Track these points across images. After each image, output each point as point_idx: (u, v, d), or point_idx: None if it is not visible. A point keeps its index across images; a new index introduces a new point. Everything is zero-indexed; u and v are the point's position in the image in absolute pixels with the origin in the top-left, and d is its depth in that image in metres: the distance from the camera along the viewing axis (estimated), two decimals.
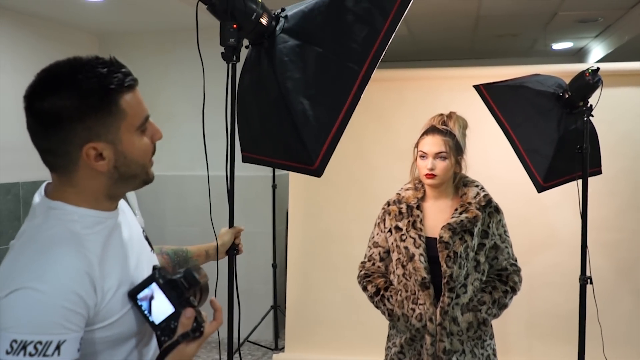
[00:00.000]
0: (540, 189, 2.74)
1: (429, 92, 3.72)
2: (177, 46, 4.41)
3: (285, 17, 1.64)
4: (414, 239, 1.97)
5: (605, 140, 3.46)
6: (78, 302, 0.97)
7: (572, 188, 2.79)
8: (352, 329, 3.77)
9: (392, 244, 2.04)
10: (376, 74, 4.26)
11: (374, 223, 2.13)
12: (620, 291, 3.49)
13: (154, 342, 1.18)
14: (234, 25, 1.56)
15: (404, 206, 2.03)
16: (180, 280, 1.07)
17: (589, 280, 2.70)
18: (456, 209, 1.99)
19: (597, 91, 2.60)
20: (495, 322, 3.68)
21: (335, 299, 3.77)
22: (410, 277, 1.97)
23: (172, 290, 1.06)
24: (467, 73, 3.70)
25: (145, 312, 1.05)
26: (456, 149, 2.03)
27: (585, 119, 2.60)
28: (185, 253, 1.65)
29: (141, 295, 1.05)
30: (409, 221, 2.00)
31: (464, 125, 2.09)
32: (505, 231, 2.07)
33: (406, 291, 1.99)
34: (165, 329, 1.05)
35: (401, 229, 2.00)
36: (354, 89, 1.60)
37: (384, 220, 2.08)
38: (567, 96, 2.64)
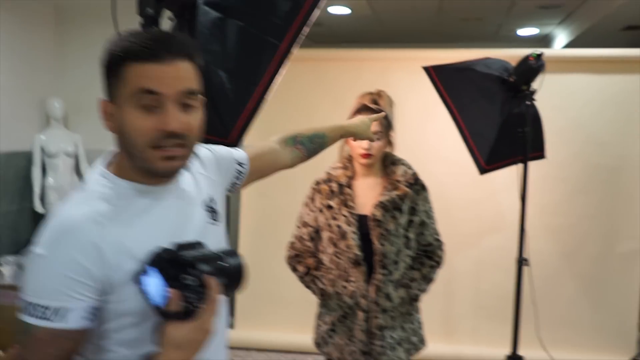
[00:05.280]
0: (483, 171, 2.76)
1: (385, 74, 3.71)
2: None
3: None
4: (346, 217, 1.97)
5: (555, 126, 3.51)
6: (81, 272, 0.96)
7: (521, 172, 2.82)
8: (303, 308, 3.76)
9: (323, 223, 2.04)
10: (331, 53, 4.30)
11: (303, 203, 2.13)
12: (563, 275, 3.56)
13: None
14: None
15: (334, 185, 2.03)
16: (173, 259, 0.97)
17: (525, 262, 2.75)
18: (386, 187, 2.00)
19: (543, 75, 2.63)
20: (441, 304, 3.77)
21: (286, 277, 3.73)
22: (342, 255, 1.98)
23: (168, 270, 0.96)
24: (422, 55, 3.68)
25: (146, 292, 0.97)
26: (387, 128, 2.03)
27: (527, 102, 2.62)
28: (322, 138, 1.56)
29: (145, 275, 0.98)
30: (340, 199, 2.00)
31: (391, 103, 2.10)
32: (430, 207, 2.10)
33: (338, 269, 2.00)
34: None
35: (333, 208, 2.00)
36: (273, 64, 1.59)
37: (313, 199, 2.08)
38: (511, 80, 2.65)
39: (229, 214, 4.12)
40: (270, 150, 1.43)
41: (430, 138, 3.67)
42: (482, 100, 2.73)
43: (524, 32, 5.75)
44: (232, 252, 1.01)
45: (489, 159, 2.73)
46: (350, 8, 4.82)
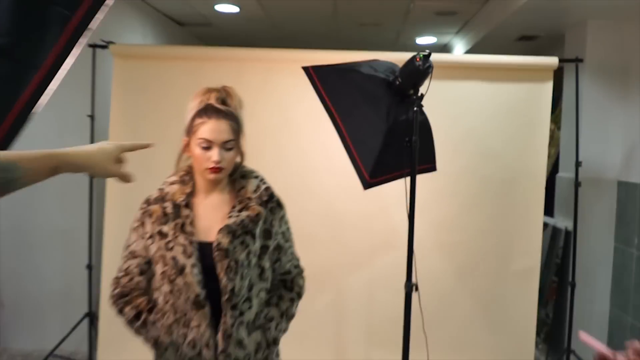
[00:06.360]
0: (367, 185, 2.45)
1: (268, 75, 3.36)
2: None
3: None
4: (184, 247, 1.57)
5: (449, 136, 3.30)
6: None
7: (416, 184, 2.54)
8: None
9: (155, 253, 1.63)
10: (209, 52, 3.72)
11: (130, 228, 1.71)
12: (457, 295, 3.34)
13: None
14: None
15: (169, 205, 1.62)
16: None
17: (414, 288, 2.47)
18: (234, 206, 1.63)
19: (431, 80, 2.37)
20: (331, 331, 3.44)
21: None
22: (180, 295, 1.58)
23: None
24: (312, 57, 3.35)
25: None
26: (239, 134, 1.66)
27: (415, 109, 2.35)
28: (10, 172, 0.99)
29: None
30: (176, 224, 1.59)
31: (241, 103, 1.73)
32: (288, 228, 1.76)
33: (175, 313, 1.59)
34: None
35: (167, 235, 1.60)
36: (61, 41, 1.17)
37: (144, 223, 1.67)
38: (397, 83, 2.38)
39: (92, 233, 3.62)
40: None
41: (318, 147, 3.35)
42: (366, 106, 2.43)
43: (422, 40, 5.63)
44: None
45: (373, 172, 2.42)
46: (238, 6, 4.45)
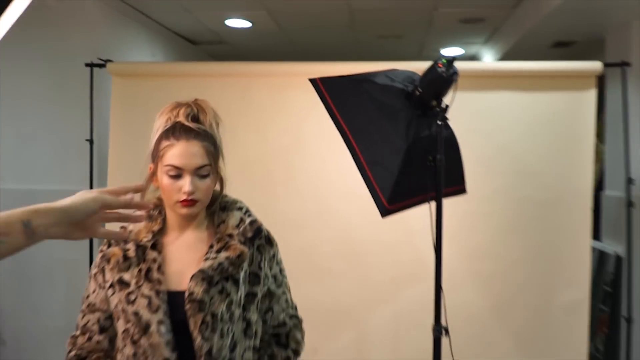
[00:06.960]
0: (385, 212, 2.11)
1: (278, 91, 3.07)
2: None
3: None
4: (149, 299, 1.26)
5: (480, 153, 2.94)
6: None
7: (444, 208, 2.20)
8: None
9: (116, 306, 1.33)
10: (216, 67, 3.37)
11: (89, 274, 1.42)
12: (495, 333, 2.94)
13: None
14: None
15: (131, 248, 1.32)
16: None
17: (444, 332, 2.11)
18: (212, 246, 1.32)
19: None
20: None
21: None
22: (145, 358, 1.27)
23: None
24: (323, 69, 3.06)
25: None
26: (217, 157, 1.36)
27: (439, 123, 2.01)
28: None
29: None
30: (140, 270, 1.29)
31: (218, 120, 1.43)
32: (281, 269, 1.44)
33: None
34: None
35: (128, 284, 1.29)
36: None
37: (103, 270, 1.37)
38: (417, 93, 2.05)
39: (92, 251, 3.34)
40: None
41: (336, 168, 3.02)
42: (382, 121, 2.11)
43: (448, 52, 5.30)
44: None
45: (392, 196, 2.08)
46: (250, 21, 4.20)
